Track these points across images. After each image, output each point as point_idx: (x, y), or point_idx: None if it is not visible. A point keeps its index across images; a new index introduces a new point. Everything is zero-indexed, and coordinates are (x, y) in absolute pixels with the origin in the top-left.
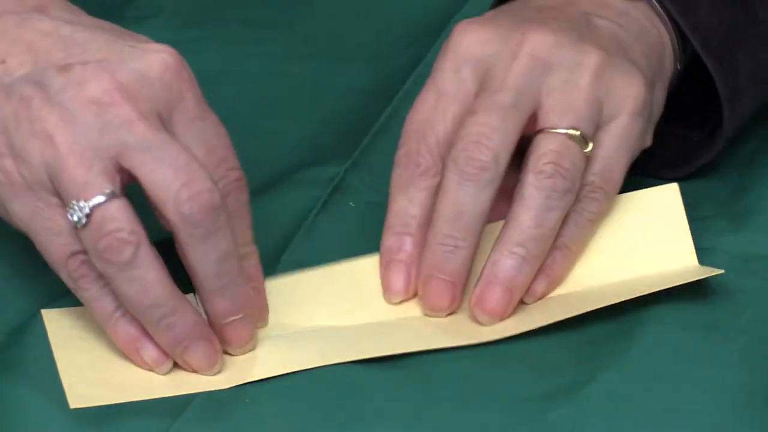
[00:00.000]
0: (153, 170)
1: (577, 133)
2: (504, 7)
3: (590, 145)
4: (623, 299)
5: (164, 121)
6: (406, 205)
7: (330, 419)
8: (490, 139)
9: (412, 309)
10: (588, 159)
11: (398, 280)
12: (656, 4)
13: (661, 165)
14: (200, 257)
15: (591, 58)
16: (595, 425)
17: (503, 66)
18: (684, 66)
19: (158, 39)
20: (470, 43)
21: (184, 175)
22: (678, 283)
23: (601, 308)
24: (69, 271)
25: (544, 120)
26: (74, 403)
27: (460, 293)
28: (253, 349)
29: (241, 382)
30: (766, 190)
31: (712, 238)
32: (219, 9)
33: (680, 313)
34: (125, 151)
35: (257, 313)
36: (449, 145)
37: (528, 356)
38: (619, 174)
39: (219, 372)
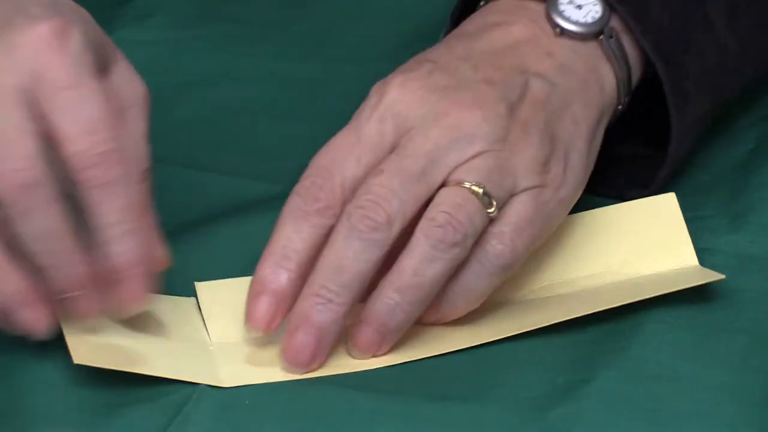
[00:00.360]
0: None
1: (480, 190)
2: (445, 52)
3: (494, 206)
4: (625, 302)
5: (31, 93)
6: (292, 236)
7: (329, 419)
8: (387, 202)
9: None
10: (500, 216)
11: (264, 313)
12: (605, 44)
13: (631, 185)
14: (22, 234)
15: (512, 137)
16: (594, 425)
17: (423, 133)
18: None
19: (156, 38)
20: (402, 100)
21: (4, 152)
22: (679, 288)
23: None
24: None
25: (451, 177)
26: (77, 359)
27: (323, 351)
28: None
29: (244, 384)
30: (766, 191)
31: (712, 238)
32: (217, 8)
33: (680, 312)
34: None
35: (115, 294)
36: (353, 192)
37: (527, 356)
38: (529, 235)
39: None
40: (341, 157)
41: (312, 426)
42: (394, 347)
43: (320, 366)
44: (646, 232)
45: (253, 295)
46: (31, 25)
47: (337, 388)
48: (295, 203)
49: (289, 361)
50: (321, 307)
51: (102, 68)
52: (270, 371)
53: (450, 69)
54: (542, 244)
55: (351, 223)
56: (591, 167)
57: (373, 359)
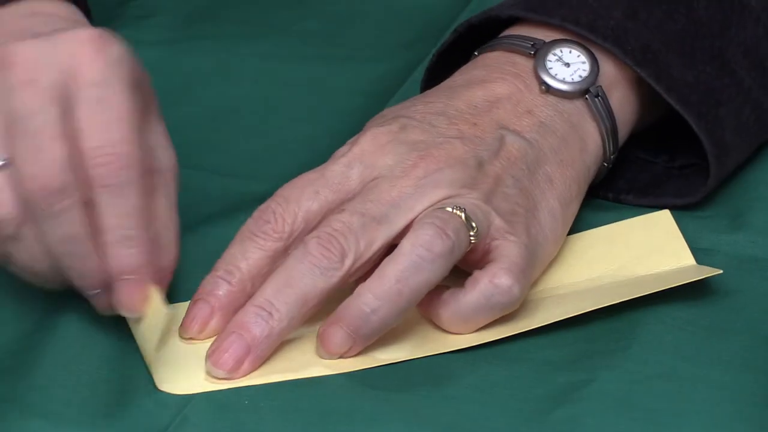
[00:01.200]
0: (18, 143)
1: (462, 213)
2: (422, 107)
3: (475, 230)
4: (625, 299)
5: (64, 90)
6: (237, 254)
7: (329, 419)
8: (344, 238)
9: (415, 317)
10: (495, 258)
11: (197, 319)
12: (591, 101)
13: (630, 189)
14: (42, 235)
15: (482, 186)
16: (595, 426)
17: (389, 181)
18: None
19: (157, 38)
20: (371, 151)
21: (37, 153)
22: (678, 283)
23: (600, 308)
24: None
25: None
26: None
27: (252, 362)
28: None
29: (242, 384)
30: (766, 191)
31: (712, 238)
32: (217, 8)
33: (680, 313)
34: (11, 119)
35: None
36: (306, 224)
37: (527, 355)
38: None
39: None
40: (300, 189)
41: (312, 426)
42: (396, 344)
43: (243, 375)
44: (644, 243)
45: (191, 304)
46: (75, 30)
47: (336, 388)
48: (247, 225)
49: (214, 362)
50: (259, 319)
51: (143, 113)
52: (268, 374)
53: (424, 124)
54: None
55: (306, 249)
56: (567, 225)
57: (374, 357)
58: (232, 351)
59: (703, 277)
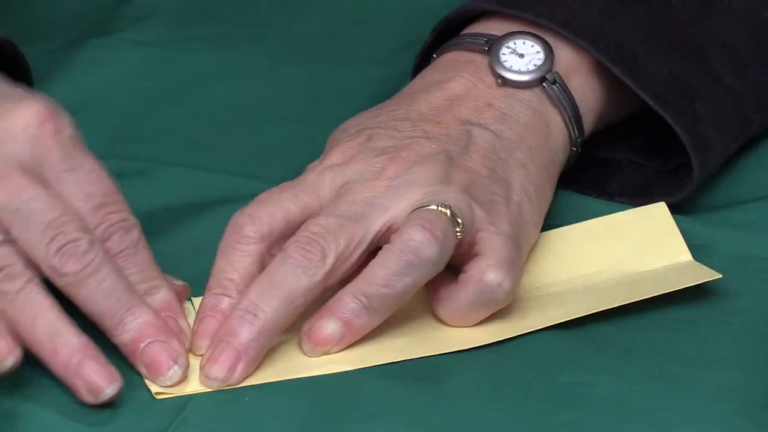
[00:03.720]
0: (22, 232)
1: (447, 210)
2: (385, 117)
3: (461, 227)
4: (624, 302)
5: (37, 174)
6: (225, 267)
7: (329, 418)
8: (323, 238)
9: (415, 314)
10: (483, 251)
11: (207, 335)
12: (549, 89)
13: (623, 191)
14: (87, 300)
15: (457, 180)
16: (596, 428)
17: (362, 183)
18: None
19: (155, 38)
20: (342, 161)
21: (51, 232)
22: (678, 288)
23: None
24: None
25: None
26: None
27: (245, 367)
28: (179, 378)
29: (243, 385)
30: (766, 191)
31: (711, 238)
32: (216, 9)
33: (680, 314)
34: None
35: (172, 337)
36: (287, 224)
37: (528, 354)
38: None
39: (109, 396)
40: (277, 193)
41: (312, 426)
42: (395, 344)
43: (239, 381)
44: (640, 235)
45: (198, 321)
46: (22, 110)
47: (336, 388)
48: (224, 238)
49: (206, 374)
50: (245, 322)
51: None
52: (268, 374)
53: (389, 130)
54: (537, 251)
55: (286, 253)
56: (543, 209)
57: (374, 357)
58: (222, 359)
59: (703, 281)
